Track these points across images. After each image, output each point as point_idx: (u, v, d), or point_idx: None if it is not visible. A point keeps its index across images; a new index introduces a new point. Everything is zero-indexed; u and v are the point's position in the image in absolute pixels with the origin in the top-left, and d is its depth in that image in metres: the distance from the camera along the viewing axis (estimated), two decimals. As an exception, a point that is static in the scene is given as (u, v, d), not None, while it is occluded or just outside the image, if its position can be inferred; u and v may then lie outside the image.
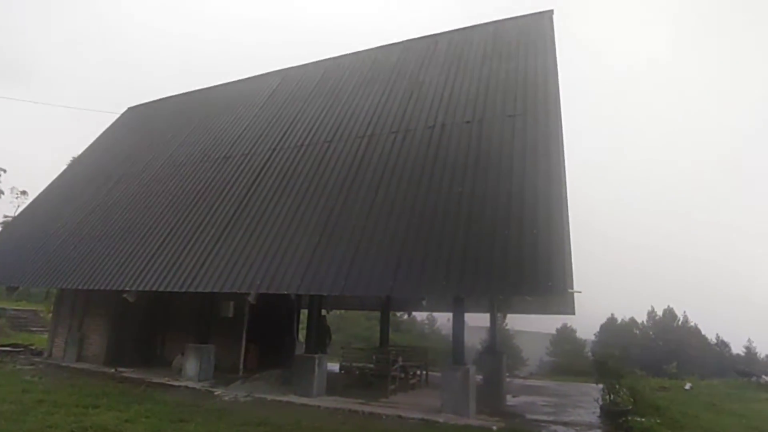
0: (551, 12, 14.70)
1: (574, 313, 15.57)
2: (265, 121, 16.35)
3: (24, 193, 48.24)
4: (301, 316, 16.63)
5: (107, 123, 23.77)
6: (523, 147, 10.37)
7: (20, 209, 30.19)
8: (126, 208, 15.29)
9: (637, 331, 50.86)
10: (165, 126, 20.03)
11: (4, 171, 46.89)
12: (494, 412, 9.65)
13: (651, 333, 50.09)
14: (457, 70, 13.98)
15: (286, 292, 9.98)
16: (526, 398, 12.46)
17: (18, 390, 9.44)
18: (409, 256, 9.27)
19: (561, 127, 10.87)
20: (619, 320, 52.04)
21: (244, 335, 13.68)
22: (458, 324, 9.68)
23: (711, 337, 48.37)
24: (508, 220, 9.04)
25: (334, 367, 13.01)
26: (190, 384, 11.26)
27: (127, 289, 11.92)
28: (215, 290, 10.71)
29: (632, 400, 9.70)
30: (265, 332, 14.64)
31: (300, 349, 13.62)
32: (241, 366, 13.38)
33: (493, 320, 15.45)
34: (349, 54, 18.24)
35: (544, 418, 9.70)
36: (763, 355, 45.68)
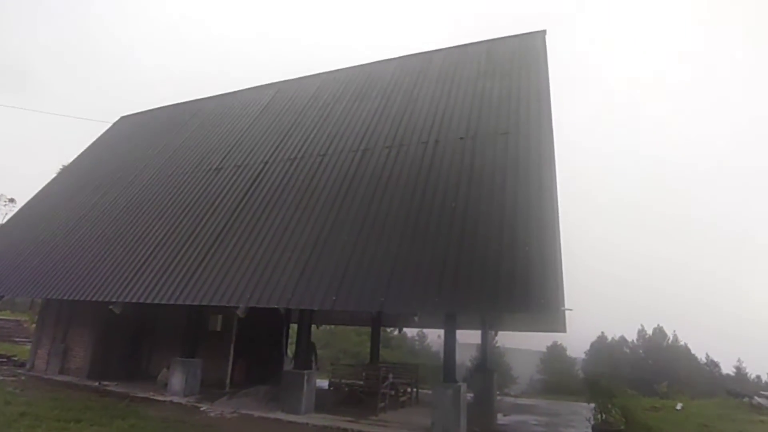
0: (544, 32, 14.96)
1: (565, 331, 15.50)
2: (258, 133, 16.34)
3: (12, 200, 47.61)
4: (291, 331, 16.45)
5: (100, 131, 23.65)
6: (516, 164, 10.44)
7: (8, 217, 29.77)
8: (115, 218, 15.11)
9: (627, 350, 50.87)
10: (157, 136, 19.94)
11: (-8, 178, 46.35)
12: (485, 431, 9.52)
13: (641, 351, 50.08)
14: (451, 87, 14.11)
15: (276, 306, 9.86)
16: (518, 417, 12.33)
17: (0, 402, 9.18)
18: (401, 271, 9.21)
19: (553, 144, 10.97)
20: (609, 338, 52.08)
21: (231, 349, 13.46)
22: (450, 341, 9.58)
23: (701, 356, 48.50)
24: (501, 236, 9.04)
25: (323, 383, 12.81)
26: (176, 399, 11.01)
27: (114, 300, 11.71)
28: (204, 303, 10.55)
29: (624, 420, 9.64)
30: (254, 347, 14.41)
31: (289, 365, 13.42)
32: (228, 381, 13.12)
33: (484, 337, 15.38)
34: (344, 68, 18.36)
35: (536, 438, 9.59)
36: (753, 375, 45.80)
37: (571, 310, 10.53)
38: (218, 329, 13.34)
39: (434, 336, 37.93)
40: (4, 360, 16.31)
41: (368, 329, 19.43)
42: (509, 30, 17.72)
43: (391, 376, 11.73)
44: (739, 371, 46.43)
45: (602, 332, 52.23)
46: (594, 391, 10.61)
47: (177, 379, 11.61)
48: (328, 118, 15.18)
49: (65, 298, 12.95)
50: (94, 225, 15.26)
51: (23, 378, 13.43)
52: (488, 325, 15.50)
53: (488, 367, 15.03)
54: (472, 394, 13.27)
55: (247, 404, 10.68)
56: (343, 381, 12.50)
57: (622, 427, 9.28)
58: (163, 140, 19.19)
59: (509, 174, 10.27)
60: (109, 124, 24.10)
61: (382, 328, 20.59)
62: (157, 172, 16.78)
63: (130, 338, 14.54)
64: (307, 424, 9.12)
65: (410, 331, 41.03)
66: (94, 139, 23.14)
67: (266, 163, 14.29)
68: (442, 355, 9.98)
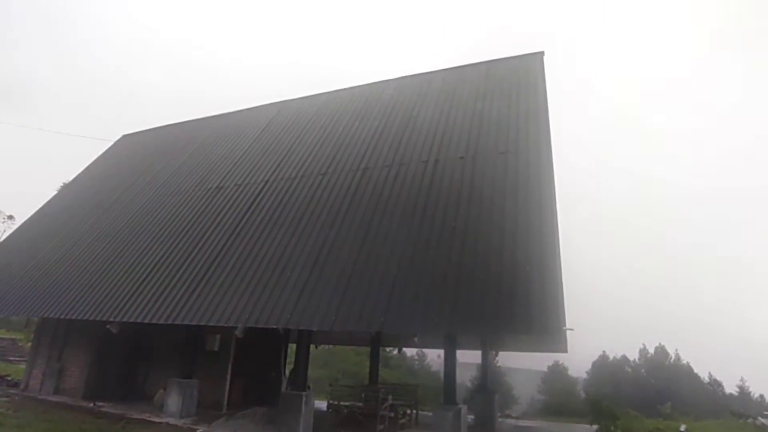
0: (542, 53, 15.18)
1: (566, 351, 15.36)
2: (259, 152, 16.43)
3: (11, 217, 47.59)
4: (289, 350, 16.28)
5: (101, 150, 23.77)
6: (516, 183, 10.47)
7: (6, 234, 29.72)
8: (114, 237, 15.07)
9: (629, 369, 50.29)
10: (159, 155, 20.04)
11: (-8, 195, 46.40)
12: (486, 455, 9.35)
13: (643, 371, 49.52)
14: (451, 106, 14.24)
15: (274, 327, 9.77)
16: (519, 440, 12.12)
17: (-10, 425, 9.04)
18: (400, 291, 9.15)
19: (552, 163, 11.04)
20: (611, 358, 51.52)
21: (229, 370, 13.26)
22: (450, 362, 9.49)
23: (703, 375, 47.93)
24: (501, 256, 9.01)
25: (321, 404, 12.62)
26: (172, 420, 10.82)
27: (111, 319, 11.61)
28: (202, 323, 10.45)
29: (627, 443, 9.48)
30: (251, 367, 14.23)
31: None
32: (226, 402, 12.91)
33: (484, 357, 15.22)
34: (345, 89, 18.57)
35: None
36: (756, 395, 45.22)
37: (572, 330, 10.48)
38: (216, 349, 13.19)
39: (434, 355, 37.51)
40: (-2, 380, 16.09)
41: (367, 348, 19.23)
42: (508, 51, 17.98)
43: (390, 397, 11.57)
44: (743, 391, 45.84)
45: (603, 351, 51.70)
46: (596, 412, 10.46)
47: (173, 401, 11.43)
48: (328, 138, 15.29)
49: (62, 317, 12.83)
50: (94, 243, 15.22)
51: (17, 398, 13.23)
52: (489, 345, 15.35)
53: (489, 388, 14.84)
54: (472, 416, 13.07)
55: (244, 426, 10.51)
56: (341, 403, 12.32)
57: (626, 451, 9.12)
58: (164, 159, 19.28)
59: (509, 193, 10.30)
60: (111, 143, 24.25)
61: (381, 348, 20.38)
62: (157, 191, 16.82)
63: (126, 358, 14.36)
64: (305, 447, 8.95)
65: (410, 351, 40.56)
66: (95, 157, 23.26)
67: (267, 182, 14.33)
68: (442, 375, 9.85)
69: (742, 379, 46.17)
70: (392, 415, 11.51)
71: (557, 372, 45.75)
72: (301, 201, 12.77)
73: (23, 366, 17.29)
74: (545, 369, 46.52)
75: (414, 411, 13.22)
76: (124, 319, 11.46)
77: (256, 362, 14.45)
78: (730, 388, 46.24)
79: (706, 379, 47.71)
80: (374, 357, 17.21)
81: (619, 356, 51.43)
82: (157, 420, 10.91)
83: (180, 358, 12.52)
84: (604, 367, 49.92)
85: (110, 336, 11.98)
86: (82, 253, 14.97)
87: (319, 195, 12.68)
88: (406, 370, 38.68)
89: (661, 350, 50.12)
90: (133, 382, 14.44)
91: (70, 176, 23.74)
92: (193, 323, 10.55)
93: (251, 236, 12.27)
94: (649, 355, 50.39)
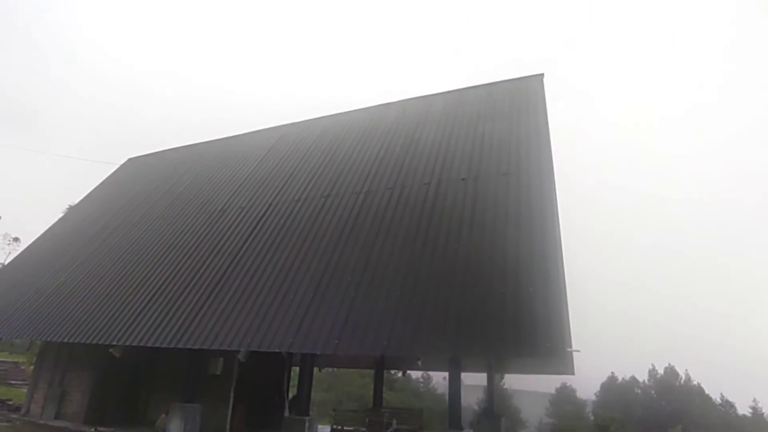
0: (542, 75, 15.38)
1: (573, 373, 15.11)
2: (263, 175, 16.58)
3: (16, 239, 47.93)
4: (293, 373, 16.13)
5: (107, 173, 24.05)
6: (518, 204, 10.50)
7: (11, 257, 29.87)
8: (118, 260, 15.13)
9: (639, 391, 49.39)
10: (164, 177, 20.25)
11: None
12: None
13: (653, 392, 48.62)
14: (452, 129, 14.38)
15: (277, 350, 9.71)
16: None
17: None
18: (404, 314, 9.10)
19: (554, 183, 11.10)
20: (620, 379, 50.68)
21: (232, 394, 13.15)
22: (454, 385, 9.39)
23: (715, 396, 46.93)
24: (504, 277, 8.98)
25: (325, 429, 12.45)
26: (173, 447, 10.69)
27: (114, 343, 11.57)
28: (205, 347, 10.39)
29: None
30: (254, 391, 14.12)
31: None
32: (228, 427, 12.77)
33: (490, 380, 15.01)
34: (347, 112, 18.81)
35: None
36: (770, 416, 44.16)
37: (578, 351, 10.36)
38: (218, 373, 13.09)
39: (439, 378, 37.00)
40: (-1, 404, 16.00)
41: (372, 371, 19.02)
42: (508, 74, 18.24)
43: (395, 421, 11.43)
44: (756, 411, 44.82)
45: (612, 372, 50.94)
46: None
47: (175, 425, 11.28)
48: (331, 161, 15.43)
49: (66, 340, 12.79)
50: (98, 266, 15.27)
51: (18, 423, 13.12)
52: (494, 367, 15.16)
53: (495, 411, 14.61)
54: (478, 441, 12.85)
55: (246, 453, 10.36)
56: (345, 428, 12.16)
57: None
58: (169, 182, 19.48)
59: (511, 214, 10.32)
60: (117, 166, 24.54)
61: (385, 371, 20.17)
62: (162, 214, 16.94)
63: (128, 382, 14.27)
64: (308, 474, 8.81)
65: (415, 373, 40.07)
66: (101, 180, 23.51)
67: (270, 204, 14.42)
68: (447, 398, 9.72)
69: (755, 400, 45.22)
70: (397, 440, 11.34)
71: (565, 394, 45.05)
72: (304, 224, 12.82)
73: (25, 390, 17.19)
74: (553, 391, 45.81)
75: (419, 436, 13.02)
76: (127, 343, 11.42)
77: (259, 386, 14.33)
78: (743, 409, 45.27)
79: (718, 400, 46.72)
80: (378, 380, 17.04)
81: (628, 377, 50.62)
82: (158, 446, 10.77)
83: (182, 382, 12.43)
84: (613, 389, 49.10)
85: (113, 360, 11.91)
86: (87, 276, 15.02)
87: (322, 218, 12.74)
88: (411, 392, 38.17)
89: (670, 371, 49.29)
90: (135, 406, 14.32)
91: (76, 199, 24.01)
92: (196, 347, 10.49)
93: (254, 259, 12.29)
94: (658, 376, 49.53)
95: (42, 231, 20.60)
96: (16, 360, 25.77)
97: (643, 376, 50.20)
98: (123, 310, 12.52)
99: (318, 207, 13.26)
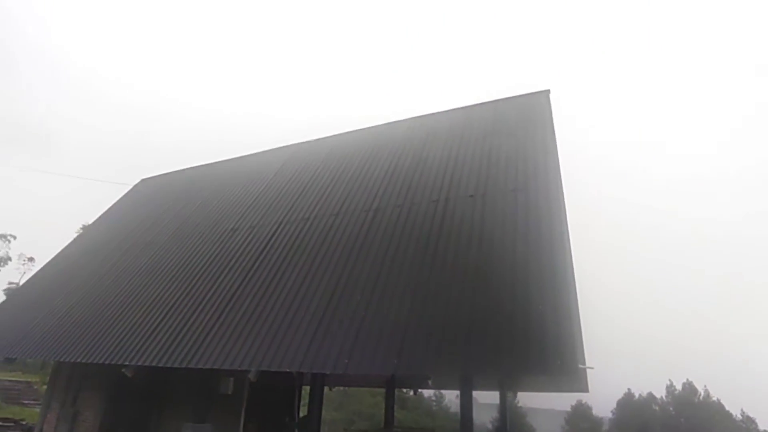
0: (548, 92, 15.48)
1: (587, 391, 14.91)
2: (272, 194, 16.76)
3: (31, 259, 48.62)
4: (303, 392, 16.05)
5: (121, 194, 24.45)
6: (527, 220, 10.49)
7: (26, 276, 30.30)
8: (132, 280, 15.30)
9: (656, 407, 48.30)
10: (176, 198, 20.55)
11: (14, 237, 47.56)
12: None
13: (671, 409, 47.49)
14: (460, 146, 14.48)
15: (287, 370, 9.71)
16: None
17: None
18: (413, 332, 9.08)
19: (563, 198, 11.10)
20: (637, 396, 49.60)
21: (242, 414, 13.11)
22: (466, 405, 9.28)
23: (735, 412, 45.66)
24: (514, 295, 8.94)
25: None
26: (184, 468, 10.66)
27: (127, 363, 11.65)
28: (216, 367, 10.43)
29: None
30: (265, 411, 14.07)
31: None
32: (239, 448, 12.71)
33: (502, 398, 14.82)
34: (356, 131, 19.03)
35: None
36: (792, 433, 42.85)
37: (592, 368, 10.24)
38: (229, 393, 13.08)
39: (453, 396, 36.49)
40: (12, 424, 16.10)
41: (383, 389, 18.86)
42: (514, 90, 18.39)
43: (406, 442, 11.29)
44: (778, 429, 43.49)
45: (629, 389, 49.86)
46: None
47: (186, 447, 11.29)
48: (340, 179, 15.58)
49: (79, 360, 12.89)
50: (112, 287, 15.45)
51: (31, 445, 13.18)
52: (506, 386, 14.97)
53: (509, 431, 14.38)
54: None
55: (257, 474, 10.29)
56: (356, 448, 12.04)
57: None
58: (181, 202, 19.76)
59: (520, 230, 10.31)
60: (130, 187, 24.95)
61: (397, 389, 19.99)
62: (174, 234, 17.15)
63: (140, 403, 14.29)
64: (319, 496, 8.72)
65: (427, 392, 39.61)
66: (114, 201, 23.90)
67: (280, 223, 14.55)
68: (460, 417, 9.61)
69: (776, 416, 43.93)
70: (409, 460, 11.19)
71: (581, 412, 44.14)
72: (314, 242, 12.90)
73: (38, 410, 17.28)
74: (568, 408, 44.89)
75: (431, 456, 12.84)
76: (140, 363, 11.49)
77: (269, 406, 14.29)
78: (765, 424, 43.95)
79: (739, 417, 45.45)
80: (389, 399, 16.88)
81: (645, 394, 49.50)
82: (169, 467, 10.75)
83: (193, 403, 12.45)
84: (629, 406, 48.03)
85: (125, 380, 11.97)
86: (100, 296, 15.19)
87: (332, 236, 12.82)
88: (423, 411, 37.65)
89: (689, 387, 48.14)
90: (147, 426, 14.31)
91: (90, 219, 24.40)
92: (207, 367, 10.53)
93: (265, 278, 12.37)
94: (676, 392, 48.39)
95: (57, 251, 20.93)
96: (29, 380, 25.97)
97: (660, 393, 49.11)
98: (135, 331, 12.62)
99: (328, 225, 13.36)
